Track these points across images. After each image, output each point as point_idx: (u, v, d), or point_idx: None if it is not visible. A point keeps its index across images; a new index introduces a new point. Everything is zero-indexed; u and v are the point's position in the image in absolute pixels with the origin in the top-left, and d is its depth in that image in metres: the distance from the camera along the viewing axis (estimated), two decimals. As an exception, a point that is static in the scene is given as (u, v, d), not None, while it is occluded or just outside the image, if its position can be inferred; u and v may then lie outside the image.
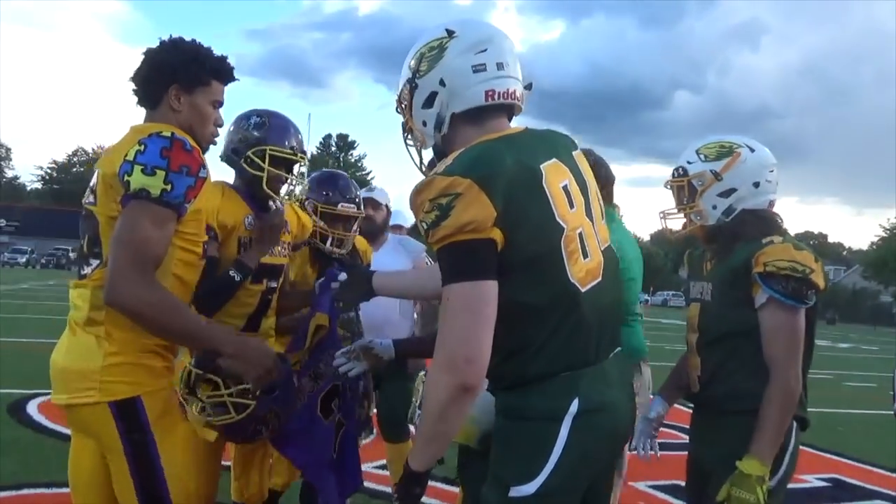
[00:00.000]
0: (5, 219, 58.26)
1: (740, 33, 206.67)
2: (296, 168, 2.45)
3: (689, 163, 2.07)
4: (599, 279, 1.53)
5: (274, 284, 2.47)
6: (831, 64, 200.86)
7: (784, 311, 1.87)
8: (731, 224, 2.01)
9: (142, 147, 1.67)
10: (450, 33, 1.58)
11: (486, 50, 1.55)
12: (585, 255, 1.51)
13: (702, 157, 2.05)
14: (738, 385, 1.94)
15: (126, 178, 1.65)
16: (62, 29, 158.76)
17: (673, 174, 2.13)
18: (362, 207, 2.95)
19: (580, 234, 1.50)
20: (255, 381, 1.80)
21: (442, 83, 1.56)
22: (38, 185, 72.98)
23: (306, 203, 2.82)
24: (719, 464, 1.91)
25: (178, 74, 1.84)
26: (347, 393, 2.35)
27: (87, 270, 1.79)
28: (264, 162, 2.29)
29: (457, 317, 1.38)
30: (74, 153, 73.42)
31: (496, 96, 1.55)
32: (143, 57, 1.88)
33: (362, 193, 3.14)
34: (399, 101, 1.67)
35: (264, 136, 2.33)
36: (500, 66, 1.55)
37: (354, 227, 2.90)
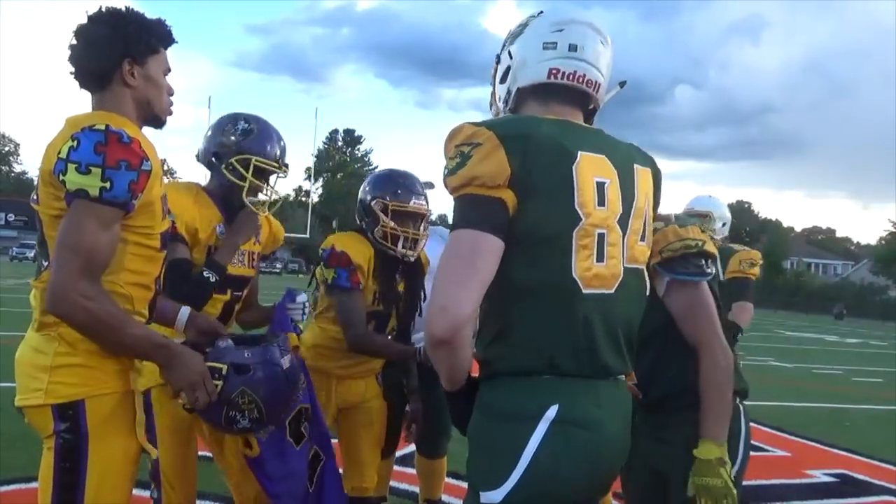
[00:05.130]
0: (14, 214, 58.57)
1: (741, 28, 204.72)
2: (272, 179, 2.36)
3: None
4: (610, 292, 1.45)
5: (239, 294, 2.39)
6: (833, 58, 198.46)
7: (688, 289, 1.86)
8: None
9: (74, 143, 1.55)
10: (539, 13, 1.59)
11: (562, 30, 1.53)
12: (600, 259, 1.43)
13: None
14: (677, 381, 1.91)
15: (61, 177, 1.54)
16: (69, 26, 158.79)
17: None
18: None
19: (600, 235, 1.43)
20: (178, 392, 1.74)
21: (511, 55, 1.58)
22: (46, 180, 73.25)
23: (373, 203, 2.60)
24: (679, 462, 1.84)
25: (129, 47, 1.69)
26: (321, 420, 2.27)
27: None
28: (248, 171, 2.22)
29: (447, 265, 1.34)
30: (82, 148, 73.51)
31: (559, 75, 1.52)
32: (77, 35, 1.70)
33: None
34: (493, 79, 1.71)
35: (251, 145, 2.26)
36: (572, 47, 1.52)
37: (423, 225, 2.68)
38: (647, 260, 1.59)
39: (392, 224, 2.56)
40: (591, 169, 1.43)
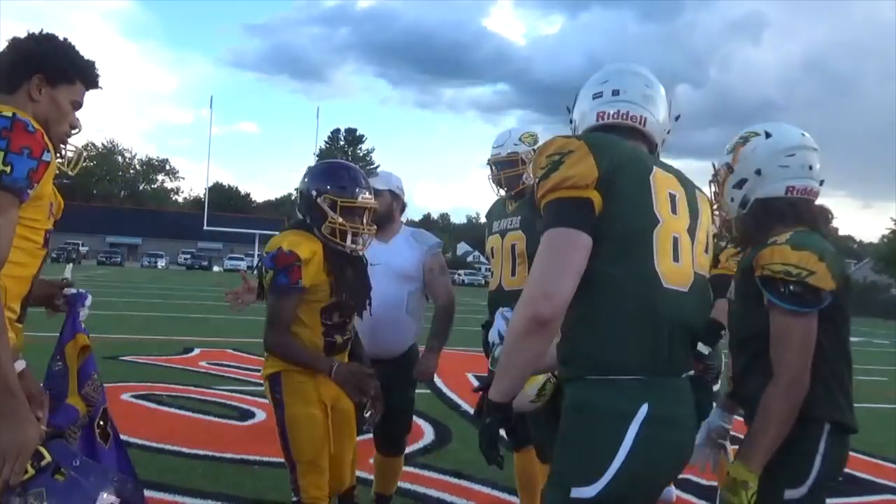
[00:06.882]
0: (16, 213, 58.63)
1: (741, 27, 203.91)
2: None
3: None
4: (685, 290, 1.60)
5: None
6: (833, 57, 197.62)
7: (785, 315, 1.77)
8: (746, 216, 2.00)
9: None
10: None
11: (607, 81, 1.83)
12: (676, 259, 1.58)
13: (727, 150, 2.06)
14: (758, 392, 1.81)
15: None
16: (69, 26, 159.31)
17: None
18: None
19: (675, 239, 1.59)
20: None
21: (569, 110, 1.90)
22: (49, 180, 73.36)
23: (320, 200, 2.54)
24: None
25: (45, 64, 1.78)
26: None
27: None
28: None
29: (544, 258, 1.49)
30: (84, 147, 73.62)
31: (605, 116, 1.79)
32: (8, 44, 1.80)
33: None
34: None
35: None
36: (615, 92, 1.80)
37: (369, 218, 2.66)
38: (710, 269, 1.75)
39: (341, 220, 2.53)
40: (663, 182, 1.62)
